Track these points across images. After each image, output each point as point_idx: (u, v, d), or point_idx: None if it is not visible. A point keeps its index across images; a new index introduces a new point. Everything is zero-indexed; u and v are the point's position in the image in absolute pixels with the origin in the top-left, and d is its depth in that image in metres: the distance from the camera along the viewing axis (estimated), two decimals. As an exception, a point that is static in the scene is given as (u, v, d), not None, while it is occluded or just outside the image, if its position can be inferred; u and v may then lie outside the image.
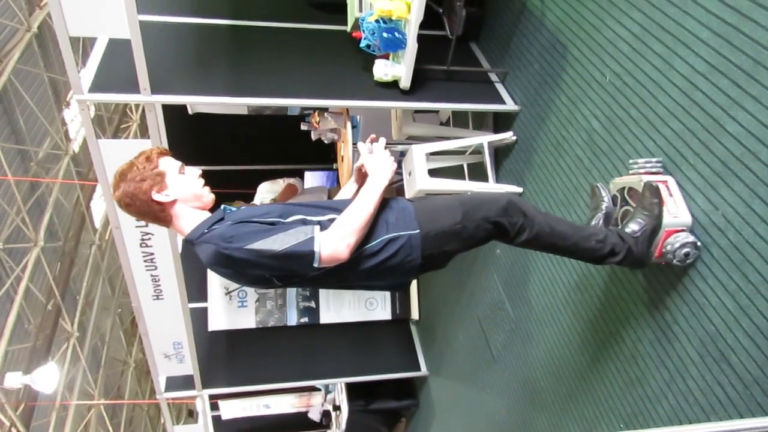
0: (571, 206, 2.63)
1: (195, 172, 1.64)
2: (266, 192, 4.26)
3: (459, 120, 3.83)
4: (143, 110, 2.81)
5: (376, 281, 1.70)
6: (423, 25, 2.74)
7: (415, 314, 5.16)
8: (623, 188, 2.02)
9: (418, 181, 2.95)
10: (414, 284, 5.17)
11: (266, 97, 2.91)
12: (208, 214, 1.59)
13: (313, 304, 4.99)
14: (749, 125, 1.66)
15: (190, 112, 4.15)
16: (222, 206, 1.62)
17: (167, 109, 3.77)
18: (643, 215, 1.84)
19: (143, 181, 1.52)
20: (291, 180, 4.56)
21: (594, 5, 2.41)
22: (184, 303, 3.58)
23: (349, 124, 3.41)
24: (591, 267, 2.47)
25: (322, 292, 5.00)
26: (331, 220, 1.57)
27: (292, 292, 4.95)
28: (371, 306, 5.08)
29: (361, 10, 3.10)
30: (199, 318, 4.63)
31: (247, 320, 4.87)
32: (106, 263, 11.55)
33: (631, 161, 2.05)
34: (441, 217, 1.68)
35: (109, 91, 2.64)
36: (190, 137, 4.39)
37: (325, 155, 5.19)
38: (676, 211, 1.87)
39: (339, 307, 5.03)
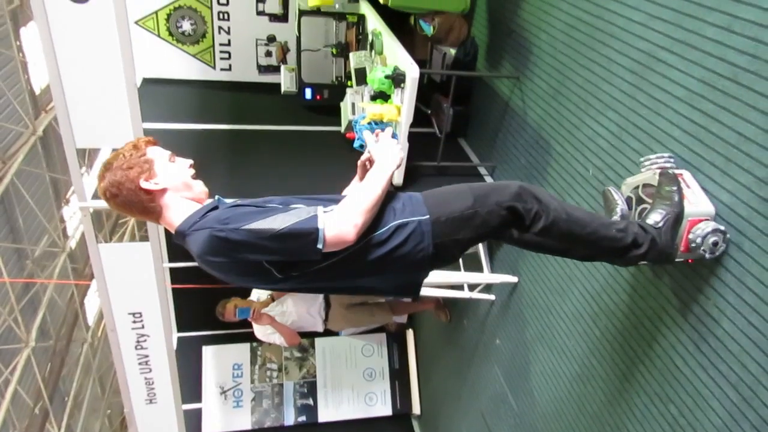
0: (566, 294, 2.66)
1: (186, 162, 1.52)
2: (263, 291, 4.27)
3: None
4: None
5: (384, 278, 1.57)
6: (413, 124, 2.89)
7: (416, 408, 5.00)
8: (637, 187, 1.93)
9: (414, 274, 2.98)
10: (414, 374, 5.05)
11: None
12: (200, 206, 1.46)
13: (311, 401, 4.84)
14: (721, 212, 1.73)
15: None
16: (216, 196, 1.50)
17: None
18: (664, 205, 1.73)
19: (130, 169, 1.40)
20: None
21: (572, 105, 2.57)
22: (178, 406, 3.48)
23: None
24: (590, 357, 2.45)
25: (320, 387, 4.86)
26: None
27: (288, 390, 4.81)
28: (371, 401, 4.93)
29: (353, 113, 3.28)
30: (193, 420, 4.46)
31: (243, 421, 4.70)
32: (97, 362, 11.23)
33: (642, 159, 1.98)
34: (451, 202, 1.57)
35: (112, 197, 2.72)
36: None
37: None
38: (695, 200, 1.77)
39: (338, 404, 4.88)
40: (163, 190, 1.44)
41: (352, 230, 1.37)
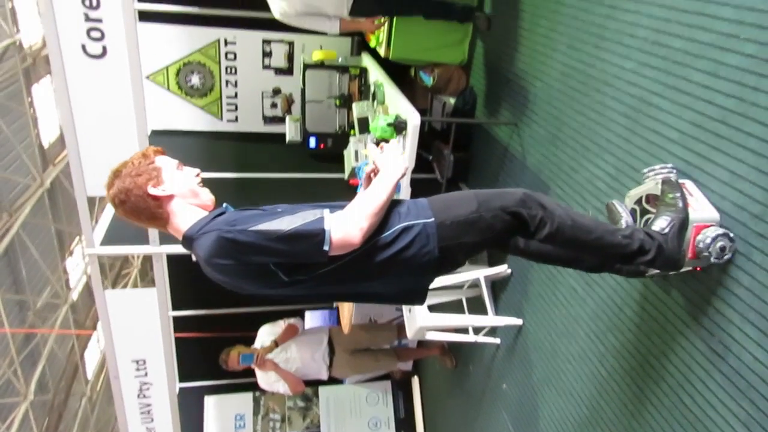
0: (571, 335, 2.65)
1: (193, 171, 1.55)
2: (267, 335, 4.24)
3: (454, 255, 3.95)
4: (144, 257, 2.93)
5: (390, 282, 1.56)
6: (415, 170, 2.97)
7: (422, 460, 4.87)
8: (640, 199, 1.93)
9: (419, 318, 2.99)
10: (420, 423, 4.94)
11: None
12: (207, 213, 1.49)
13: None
14: (727, 254, 1.76)
15: (194, 259, 4.27)
16: (224, 204, 1.52)
17: (171, 255, 3.90)
18: (668, 211, 1.73)
19: (138, 176, 1.43)
20: (291, 320, 4.55)
21: (569, 149, 2.64)
22: (180, 458, 3.41)
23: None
24: (599, 399, 2.43)
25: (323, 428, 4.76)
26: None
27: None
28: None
29: (357, 160, 3.36)
30: (194, 472, 4.35)
31: (245, 474, 4.58)
32: (95, 417, 10.98)
33: (644, 170, 1.98)
34: (456, 206, 1.59)
35: (120, 244, 2.77)
36: (192, 283, 4.47)
37: (324, 294, 5.24)
38: (700, 208, 1.77)
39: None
40: (170, 197, 1.46)
41: (357, 233, 1.39)
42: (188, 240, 1.43)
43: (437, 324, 3.10)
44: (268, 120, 4.32)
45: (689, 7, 1.90)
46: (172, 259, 3.92)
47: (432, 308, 3.10)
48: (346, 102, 3.79)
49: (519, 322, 3.13)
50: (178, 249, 2.86)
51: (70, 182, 8.34)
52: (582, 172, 2.55)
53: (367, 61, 3.76)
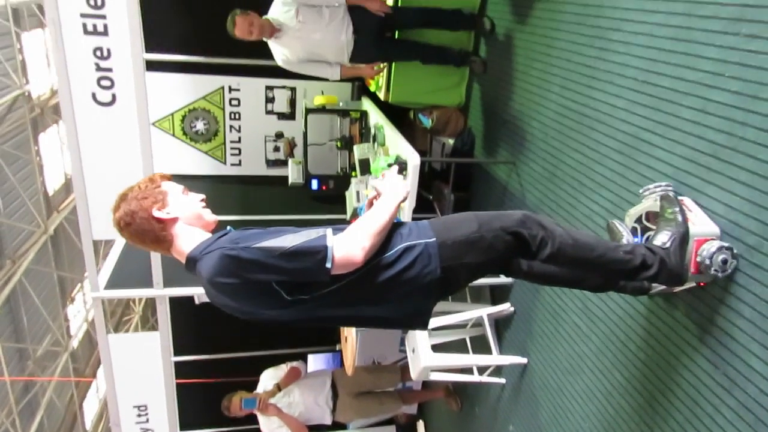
0: (577, 374, 2.63)
1: (198, 196, 1.57)
2: (269, 379, 4.19)
3: (457, 295, 3.95)
4: (145, 303, 2.94)
5: (393, 305, 1.55)
6: (416, 210, 3.00)
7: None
8: (640, 217, 1.95)
9: (422, 358, 2.97)
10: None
11: (272, 283, 3.06)
12: (210, 235, 1.49)
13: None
14: (727, 286, 1.77)
15: (197, 302, 4.28)
16: (227, 227, 1.52)
17: (173, 300, 3.91)
18: (668, 226, 1.75)
19: (144, 199, 1.46)
20: (294, 363, 4.51)
21: (567, 186, 2.69)
22: None
23: (351, 305, 3.51)
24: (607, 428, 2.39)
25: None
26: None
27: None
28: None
29: (358, 201, 3.41)
30: None
31: None
32: (92, 469, 10.70)
33: (641, 190, 2.01)
34: (457, 227, 1.60)
35: (124, 287, 2.79)
36: (194, 327, 4.45)
37: (328, 336, 5.20)
38: (700, 222, 1.79)
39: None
40: (175, 220, 1.47)
41: (360, 252, 1.39)
42: (192, 261, 1.43)
43: (441, 364, 3.08)
44: (270, 163, 4.40)
45: (675, 47, 1.98)
46: (174, 303, 3.93)
47: (435, 348, 3.09)
48: (347, 144, 3.87)
49: (524, 360, 3.10)
50: (181, 291, 2.88)
51: (74, 229, 8.40)
52: (580, 208, 2.59)
53: (367, 104, 3.86)
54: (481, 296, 3.66)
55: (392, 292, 1.51)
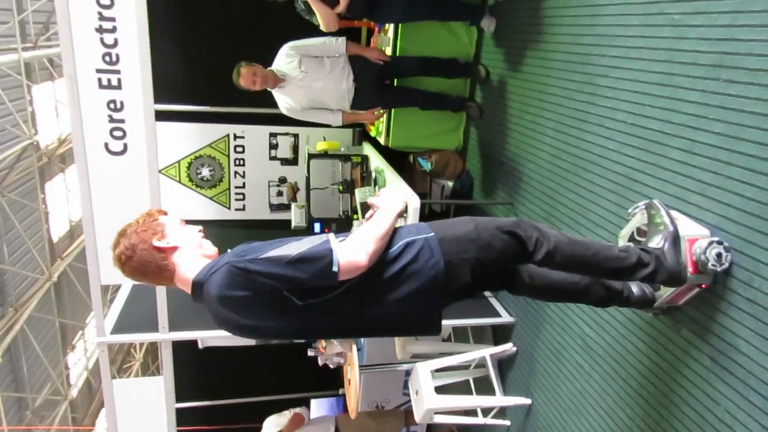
0: (581, 414, 2.62)
1: (195, 227, 1.59)
2: (272, 426, 4.14)
3: (460, 335, 3.96)
4: (146, 349, 2.96)
5: (403, 303, 1.54)
6: (417, 252, 3.05)
7: None
8: (632, 234, 2.00)
9: (426, 400, 2.96)
10: None
11: (275, 326, 3.09)
12: (212, 260, 1.50)
13: None
14: (722, 320, 1.81)
15: (200, 346, 4.28)
16: (228, 251, 1.52)
17: (176, 345, 3.92)
18: (658, 230, 1.83)
19: (144, 231, 1.47)
20: (297, 409, 4.46)
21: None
22: None
23: (354, 347, 3.52)
24: (615, 479, 2.36)
25: None
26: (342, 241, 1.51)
27: None
28: None
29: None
30: None
31: None
32: None
33: (629, 209, 2.07)
34: (454, 226, 1.67)
35: (129, 332, 2.82)
36: (198, 372, 4.44)
37: (331, 380, 5.16)
38: (687, 226, 1.86)
39: None
40: (175, 248, 1.48)
41: (364, 256, 1.42)
42: (198, 285, 1.43)
43: (445, 406, 3.06)
44: (274, 207, 4.48)
45: (660, 92, 2.08)
46: (176, 347, 3.93)
47: (439, 390, 3.08)
48: (348, 188, 3.96)
49: (528, 401, 3.09)
50: (186, 335, 2.90)
51: (77, 275, 8.41)
52: (578, 247, 2.64)
53: (368, 149, 3.97)
54: (483, 337, 3.67)
55: (400, 287, 1.53)
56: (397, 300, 1.54)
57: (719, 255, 1.76)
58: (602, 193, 2.45)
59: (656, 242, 1.80)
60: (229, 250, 1.51)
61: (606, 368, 2.44)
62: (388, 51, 3.71)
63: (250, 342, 4.62)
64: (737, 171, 1.76)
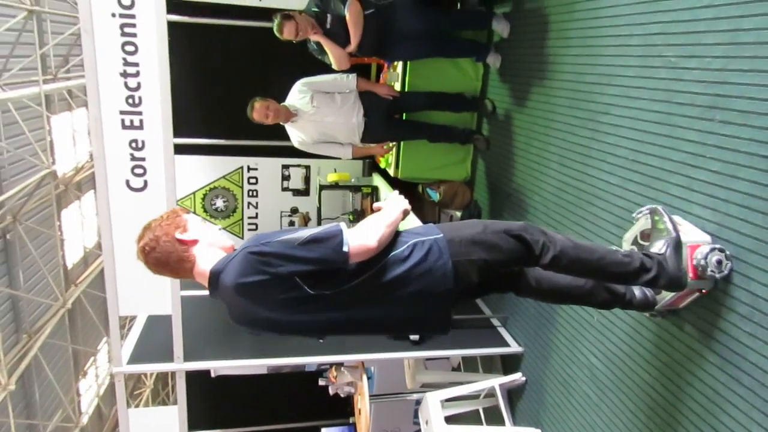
0: (590, 445, 2.64)
1: (216, 226, 1.71)
2: (283, 453, 4.18)
3: (469, 365, 3.99)
4: (156, 376, 3.02)
5: (412, 302, 1.60)
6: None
7: None
8: (635, 238, 2.05)
9: (436, 430, 2.98)
10: None
11: (286, 356, 3.15)
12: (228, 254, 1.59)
13: None
14: (725, 354, 1.85)
15: (213, 375, 4.33)
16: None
17: (190, 374, 3.97)
18: (661, 236, 1.88)
19: (168, 225, 1.56)
20: (307, 438, 4.49)
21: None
22: None
23: (364, 377, 3.57)
24: None
25: None
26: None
27: None
28: None
29: (370, 273, 3.53)
30: None
31: None
32: None
33: (634, 213, 2.12)
34: (463, 228, 1.72)
35: (145, 362, 2.89)
36: (210, 400, 4.49)
37: (341, 409, 5.17)
38: (690, 231, 1.91)
39: None
40: (196, 241, 1.56)
41: (374, 238, 1.50)
42: (215, 275, 1.51)
43: (454, 436, 3.08)
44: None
45: (659, 130, 2.16)
46: (191, 377, 3.99)
47: (449, 420, 3.10)
48: (359, 218, 4.05)
49: None
50: (200, 365, 2.97)
51: (90, 302, 8.50)
52: (583, 279, 2.69)
53: (377, 180, 4.07)
54: (492, 366, 3.69)
55: (410, 286, 1.59)
56: (406, 298, 1.60)
57: (719, 262, 1.81)
58: (606, 227, 2.51)
59: (659, 247, 1.86)
60: (244, 242, 1.60)
61: (614, 400, 2.46)
62: (397, 86, 3.84)
63: (262, 370, 4.67)
64: (734, 208, 1.83)
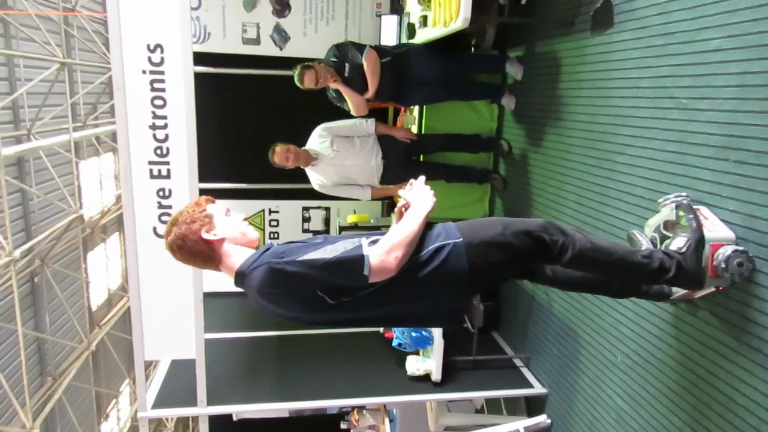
0: (620, 491, 2.57)
1: (240, 215, 1.71)
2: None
3: (493, 406, 3.93)
4: (177, 419, 3.03)
5: (429, 301, 1.67)
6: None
7: None
8: (658, 226, 2.02)
9: (460, 474, 2.94)
10: None
11: (308, 400, 3.16)
12: (255, 251, 1.61)
13: None
14: (753, 396, 1.82)
15: (234, 419, 4.32)
16: (268, 241, 1.63)
17: (212, 417, 3.98)
18: (684, 232, 1.85)
19: (193, 223, 1.58)
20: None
21: (591, 296, 2.80)
22: None
23: (386, 420, 3.54)
24: None
25: None
26: (374, 242, 1.59)
27: None
28: None
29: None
30: None
31: None
32: None
33: (659, 200, 2.09)
34: (482, 229, 1.72)
35: (169, 407, 2.92)
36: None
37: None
38: (715, 228, 1.87)
39: None
40: (222, 240, 1.60)
41: (393, 262, 1.53)
42: (241, 276, 1.56)
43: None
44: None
45: (674, 170, 2.18)
46: (213, 420, 4.00)
47: (473, 464, 3.05)
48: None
49: (564, 475, 3.03)
50: (223, 410, 2.98)
51: (113, 343, 8.55)
52: (606, 318, 2.67)
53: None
54: (516, 408, 3.64)
55: (428, 288, 1.65)
56: (423, 299, 1.67)
57: (740, 264, 1.80)
58: (622, 309, 2.49)
59: (679, 245, 1.84)
60: (269, 242, 1.67)
61: (641, 443, 2.41)
62: (414, 129, 3.93)
63: (284, 413, 4.65)
64: (752, 247, 1.83)
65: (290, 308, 1.58)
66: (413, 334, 3.24)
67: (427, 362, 3.24)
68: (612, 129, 2.60)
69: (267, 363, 3.49)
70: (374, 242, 1.59)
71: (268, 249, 1.57)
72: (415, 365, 3.24)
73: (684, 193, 2.08)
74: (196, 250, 1.59)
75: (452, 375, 3.27)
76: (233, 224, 1.66)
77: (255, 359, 3.53)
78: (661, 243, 2.02)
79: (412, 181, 1.82)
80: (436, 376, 3.17)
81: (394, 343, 3.30)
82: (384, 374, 3.38)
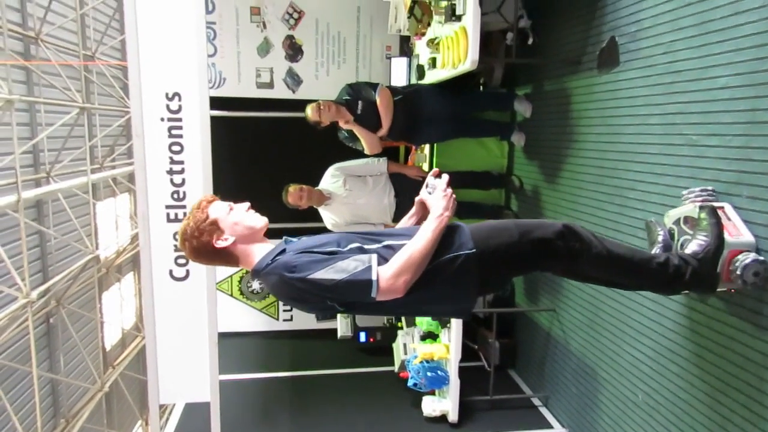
0: None
1: (243, 206, 1.70)
2: None
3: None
4: None
5: (437, 303, 1.69)
6: (462, 359, 3.09)
7: None
8: (678, 219, 1.97)
9: None
10: None
11: (324, 442, 3.11)
12: (269, 246, 1.65)
13: None
14: None
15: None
16: (284, 238, 1.68)
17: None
18: (703, 236, 1.82)
19: (201, 235, 1.61)
20: None
21: (608, 333, 2.76)
22: None
23: (402, 461, 3.46)
24: None
25: None
26: (387, 247, 1.61)
27: None
28: None
29: (405, 353, 3.52)
30: None
31: None
32: None
33: (683, 192, 2.05)
34: (497, 236, 1.70)
35: (184, 450, 2.89)
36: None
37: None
38: (736, 233, 1.81)
39: None
40: (234, 243, 1.63)
41: (402, 285, 1.54)
42: (256, 273, 1.63)
43: None
44: (320, 317, 4.61)
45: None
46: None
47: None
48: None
49: None
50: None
51: (126, 383, 8.50)
52: (624, 356, 2.63)
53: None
54: None
55: (438, 295, 1.67)
56: (432, 302, 1.70)
57: (756, 273, 1.77)
58: (642, 301, 2.48)
59: (696, 250, 1.82)
60: (284, 238, 1.68)
61: (667, 486, 2.34)
62: (426, 167, 3.97)
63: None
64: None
65: (303, 309, 1.70)
66: (429, 374, 3.20)
67: (444, 402, 3.19)
68: (622, 165, 2.62)
69: (282, 404, 3.46)
70: (387, 247, 1.62)
71: (283, 251, 1.59)
72: (431, 406, 3.19)
73: (710, 188, 2.03)
74: (213, 257, 1.67)
75: (469, 415, 3.21)
76: (239, 222, 1.66)
77: (269, 401, 3.50)
78: (680, 236, 1.99)
79: (432, 179, 1.84)
80: (453, 416, 3.12)
81: (410, 383, 3.26)
82: (400, 415, 3.33)
